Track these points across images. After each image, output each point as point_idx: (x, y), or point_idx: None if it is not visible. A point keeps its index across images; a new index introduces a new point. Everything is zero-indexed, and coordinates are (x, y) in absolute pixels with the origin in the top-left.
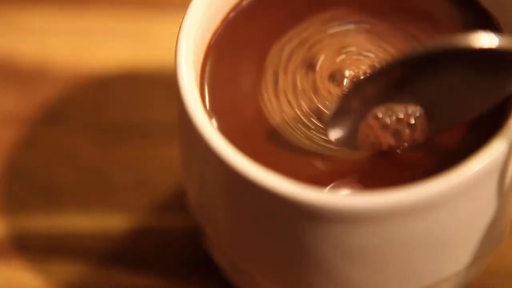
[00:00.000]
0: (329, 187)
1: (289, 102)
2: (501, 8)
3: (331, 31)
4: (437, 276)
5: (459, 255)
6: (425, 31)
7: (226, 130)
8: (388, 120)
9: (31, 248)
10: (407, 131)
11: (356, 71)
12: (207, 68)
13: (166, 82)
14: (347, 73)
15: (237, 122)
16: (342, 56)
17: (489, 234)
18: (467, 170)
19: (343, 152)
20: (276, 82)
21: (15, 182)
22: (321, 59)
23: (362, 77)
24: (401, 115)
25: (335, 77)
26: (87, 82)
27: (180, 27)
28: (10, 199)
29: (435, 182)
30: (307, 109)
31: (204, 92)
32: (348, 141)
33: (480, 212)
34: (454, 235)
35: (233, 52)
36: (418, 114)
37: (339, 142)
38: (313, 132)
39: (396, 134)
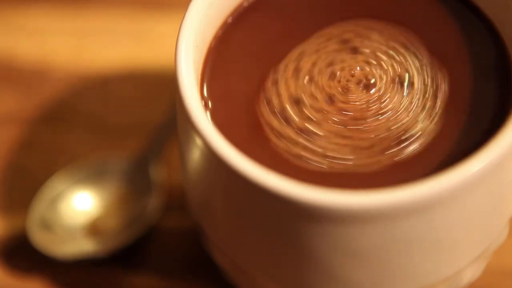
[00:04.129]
0: (329, 187)
1: (289, 102)
2: (499, 11)
3: (331, 34)
4: (437, 276)
5: (459, 255)
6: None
7: (226, 130)
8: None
9: (31, 248)
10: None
11: (355, 73)
12: (207, 68)
13: (166, 82)
14: (347, 76)
15: (237, 123)
16: (343, 61)
17: (489, 234)
18: (467, 170)
19: (344, 153)
20: (276, 83)
21: (15, 182)
22: (321, 62)
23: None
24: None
25: (335, 78)
26: (87, 82)
27: (180, 27)
28: (10, 199)
29: (435, 182)
30: (307, 109)
31: (204, 92)
32: None
33: (480, 212)
34: (454, 235)
35: (233, 53)
36: None
37: None
38: (313, 132)
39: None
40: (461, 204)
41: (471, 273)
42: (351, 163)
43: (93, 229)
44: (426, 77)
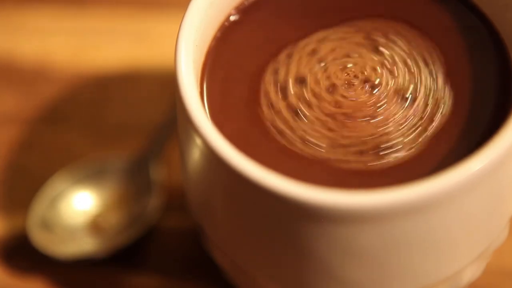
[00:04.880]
0: (329, 187)
1: (289, 101)
2: (499, 11)
3: (330, 33)
4: (437, 276)
5: (459, 255)
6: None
7: (226, 130)
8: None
9: (31, 248)
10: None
11: (354, 70)
12: (207, 68)
13: (166, 82)
14: (345, 73)
15: (237, 122)
16: (342, 57)
17: (489, 234)
18: (467, 169)
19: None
20: (275, 83)
21: (15, 182)
22: (320, 58)
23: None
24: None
25: (333, 76)
26: (87, 82)
27: (180, 27)
28: (10, 199)
29: (435, 182)
30: (307, 108)
31: (204, 92)
32: None
33: (480, 212)
34: (454, 235)
35: (233, 53)
36: None
37: None
38: (313, 131)
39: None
40: (461, 204)
41: (471, 273)
42: (323, 151)
43: (93, 229)
44: (430, 95)
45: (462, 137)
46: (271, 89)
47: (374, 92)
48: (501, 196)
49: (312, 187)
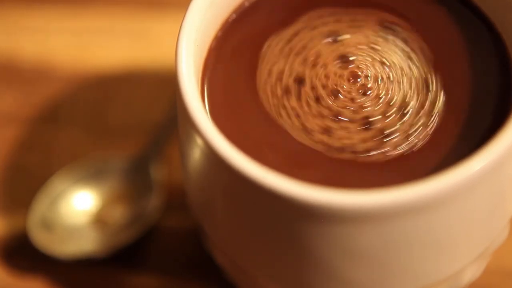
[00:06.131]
0: (329, 187)
1: (289, 101)
2: (500, 11)
3: (328, 31)
4: (437, 276)
5: (459, 254)
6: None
7: (226, 130)
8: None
9: (31, 248)
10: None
11: (358, 68)
12: (208, 68)
13: (166, 82)
14: (344, 72)
15: (237, 122)
16: (342, 57)
17: (489, 234)
18: (467, 169)
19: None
20: (274, 82)
21: (16, 182)
22: (319, 56)
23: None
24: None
25: (332, 75)
26: (87, 82)
27: (180, 27)
28: (10, 199)
29: (435, 182)
30: (307, 107)
31: (204, 91)
32: None
33: (480, 212)
34: (454, 235)
35: (234, 52)
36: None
37: None
38: (314, 129)
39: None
40: (462, 203)
41: (471, 273)
42: (326, 148)
43: (93, 228)
44: (425, 79)
45: (462, 137)
46: (272, 88)
47: (373, 90)
48: (501, 196)
49: (312, 187)
